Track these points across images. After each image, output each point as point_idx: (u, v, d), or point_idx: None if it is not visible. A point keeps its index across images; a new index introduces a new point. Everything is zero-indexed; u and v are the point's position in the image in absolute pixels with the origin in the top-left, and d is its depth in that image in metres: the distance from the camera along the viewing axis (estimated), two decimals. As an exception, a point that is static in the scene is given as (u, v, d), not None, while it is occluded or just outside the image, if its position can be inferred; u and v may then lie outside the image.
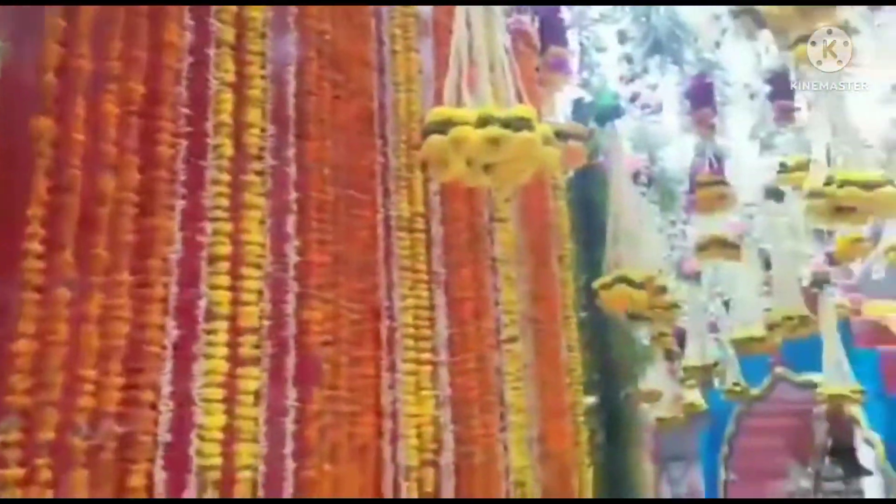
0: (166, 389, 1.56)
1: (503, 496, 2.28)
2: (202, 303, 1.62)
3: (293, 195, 1.81)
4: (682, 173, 3.90)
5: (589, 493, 2.98)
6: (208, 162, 1.69)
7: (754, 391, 5.88)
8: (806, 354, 4.88)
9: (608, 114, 2.92)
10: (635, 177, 3.38)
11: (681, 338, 5.29)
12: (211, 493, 1.56)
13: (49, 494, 1.37)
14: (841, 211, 2.56)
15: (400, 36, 2.31)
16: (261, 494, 1.60)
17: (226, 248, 1.67)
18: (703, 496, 7.48)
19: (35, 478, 1.37)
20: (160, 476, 1.54)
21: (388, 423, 1.93)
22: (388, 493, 1.88)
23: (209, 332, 1.62)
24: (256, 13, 1.84)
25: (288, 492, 1.62)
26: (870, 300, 5.95)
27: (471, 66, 1.91)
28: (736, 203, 3.44)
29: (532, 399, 2.60)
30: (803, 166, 3.10)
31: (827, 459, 6.58)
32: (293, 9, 1.97)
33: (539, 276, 2.85)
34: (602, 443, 3.68)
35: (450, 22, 1.90)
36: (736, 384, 5.32)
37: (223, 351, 1.62)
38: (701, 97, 3.09)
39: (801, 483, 7.32)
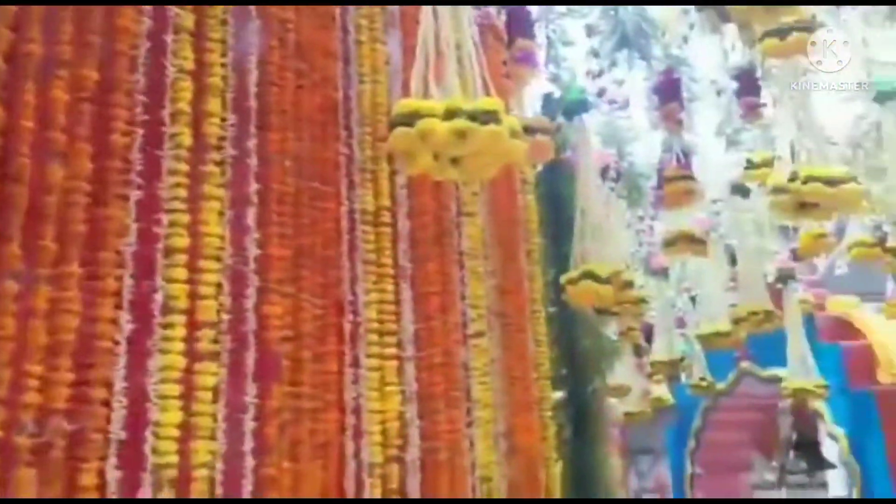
0: (120, 385, 1.52)
1: (469, 492, 2.27)
2: (158, 296, 1.57)
3: (254, 187, 1.77)
4: (650, 169, 3.90)
5: (557, 488, 2.97)
6: (165, 152, 1.64)
7: (720, 386, 5.94)
8: (771, 349, 4.93)
9: (575, 108, 2.91)
10: (603, 172, 3.38)
11: (648, 333, 5.31)
12: (167, 492, 1.53)
13: (-6, 493, 1.33)
14: (805, 207, 2.58)
15: (366, 26, 2.28)
16: (219, 493, 1.57)
17: (183, 241, 1.62)
18: (670, 490, 7.54)
19: (-22, 476, 1.32)
20: (113, 475, 1.50)
21: (350, 419, 1.90)
22: (350, 491, 1.85)
23: (165, 327, 1.58)
24: (217, -1, 1.80)
25: (247, 490, 1.59)
26: (833, 296, 6.03)
27: (438, 58, 1.88)
28: (703, 198, 3.45)
29: (499, 394, 2.59)
30: (769, 163, 3.12)
31: (791, 453, 6.68)
32: (256, -4, 1.93)
33: (507, 270, 2.84)
34: (570, 438, 3.67)
35: (417, 13, 1.87)
36: (702, 379, 5.37)
37: (180, 346, 1.58)
38: (668, 92, 3.09)
39: (766, 476, 7.43)
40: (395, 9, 2.40)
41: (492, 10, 2.66)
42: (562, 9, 2.95)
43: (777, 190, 2.58)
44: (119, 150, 1.57)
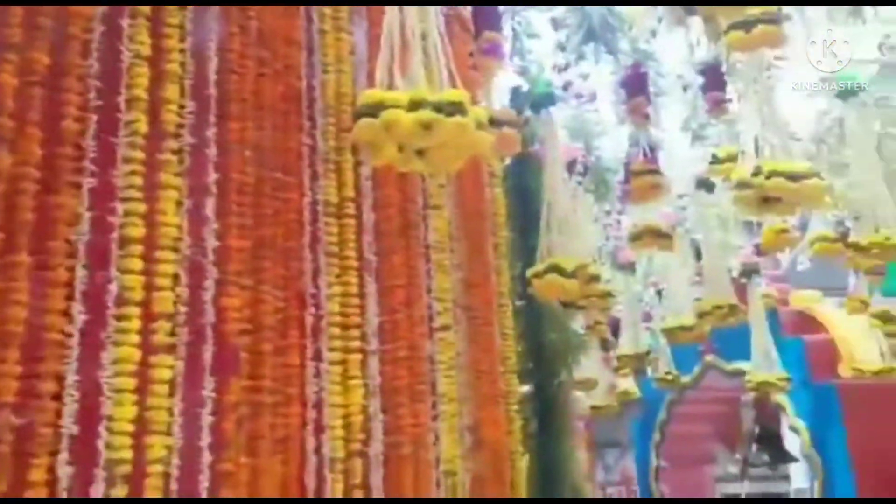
0: (71, 378, 1.48)
1: (433, 486, 2.25)
2: (112, 287, 1.53)
3: (213, 176, 1.73)
4: (617, 163, 3.91)
5: (522, 482, 2.97)
6: (120, 139, 1.60)
7: (685, 379, 5.99)
8: (735, 343, 4.98)
9: (543, 101, 2.90)
10: (570, 166, 3.37)
11: (615, 327, 5.34)
12: (120, 488, 1.49)
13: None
14: (768, 201, 2.59)
15: (330, 15, 2.24)
16: (174, 489, 1.53)
17: (139, 230, 1.58)
18: (635, 483, 7.61)
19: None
20: (65, 471, 1.46)
21: (312, 413, 1.87)
22: (311, 486, 1.82)
23: (120, 318, 1.54)
24: (175, -17, 1.75)
25: (203, 485, 1.55)
26: (796, 290, 6.12)
27: (403, 48, 1.86)
28: (669, 193, 3.46)
29: (465, 388, 2.58)
30: (733, 158, 3.13)
31: (754, 446, 6.77)
32: (216, -19, 1.89)
33: (473, 263, 2.82)
34: (536, 431, 3.68)
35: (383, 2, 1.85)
36: (668, 373, 5.42)
37: (135, 338, 1.54)
38: (635, 86, 3.09)
39: (729, 469, 7.52)
40: (362, -2, 2.37)
41: (459, 0, 2.63)
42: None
43: (741, 184, 2.59)
44: (71, 137, 1.53)
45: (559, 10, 2.98)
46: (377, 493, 1.97)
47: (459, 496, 2.36)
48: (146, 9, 1.70)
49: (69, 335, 1.48)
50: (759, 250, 4.41)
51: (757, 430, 6.77)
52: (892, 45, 3.48)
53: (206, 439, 1.58)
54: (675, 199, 4.06)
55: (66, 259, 1.49)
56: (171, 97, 1.69)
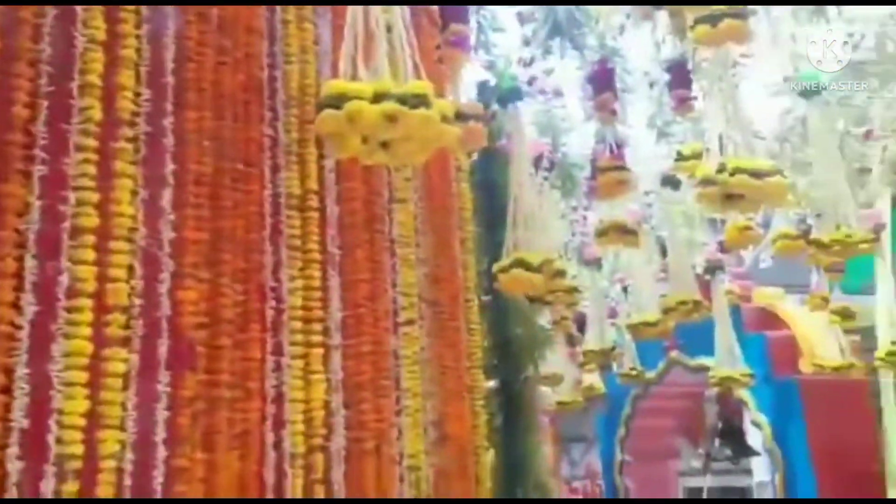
0: (21, 371, 1.44)
1: (396, 481, 2.24)
2: (63, 278, 1.49)
3: (170, 167, 1.69)
4: (584, 159, 3.92)
5: (487, 477, 2.97)
6: (73, 126, 1.56)
7: (650, 375, 6.04)
8: (699, 339, 5.03)
9: (510, 96, 2.89)
10: (537, 161, 3.37)
11: (581, 322, 5.37)
12: (71, 484, 1.45)
13: None
14: (731, 198, 2.61)
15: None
16: (127, 484, 1.50)
17: (92, 220, 1.54)
18: (600, 477, 7.66)
19: None
20: (14, 465, 1.43)
21: (271, 408, 1.84)
22: (270, 481, 1.80)
23: (71, 311, 1.50)
24: (132, -33, 1.71)
25: (157, 481, 1.52)
26: (759, 287, 6.20)
27: (368, 39, 1.83)
28: (635, 189, 3.48)
29: (429, 383, 2.56)
30: (698, 155, 3.16)
31: (717, 440, 6.85)
32: (174, -34, 1.84)
33: (439, 258, 2.81)
34: (501, 426, 3.68)
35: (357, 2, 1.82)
36: (632, 368, 5.45)
37: (87, 331, 1.50)
38: (602, 82, 3.10)
39: (692, 463, 7.61)
40: (327, -12, 2.34)
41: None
42: (498, -6, 2.92)
43: (705, 181, 2.60)
44: (21, 123, 1.48)
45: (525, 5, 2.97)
46: (338, 489, 1.95)
47: (423, 491, 2.35)
48: (102, -7, 1.65)
49: (19, 327, 1.45)
50: (723, 247, 4.46)
51: (720, 425, 6.86)
52: (856, 45, 3.53)
53: (160, 434, 1.55)
54: (641, 195, 4.08)
55: (15, 249, 1.45)
56: (127, 84, 1.65)
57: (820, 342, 5.31)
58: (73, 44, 1.59)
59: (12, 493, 1.43)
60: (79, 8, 1.61)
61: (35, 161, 1.49)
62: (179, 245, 1.67)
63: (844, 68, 3.70)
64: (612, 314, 5.46)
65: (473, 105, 2.56)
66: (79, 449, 1.46)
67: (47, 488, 1.44)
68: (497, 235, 3.27)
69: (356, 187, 2.29)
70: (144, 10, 1.71)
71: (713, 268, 4.52)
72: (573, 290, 4.13)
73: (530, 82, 3.11)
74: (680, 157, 3.37)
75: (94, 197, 1.55)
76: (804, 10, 3.12)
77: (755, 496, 7.57)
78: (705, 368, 5.20)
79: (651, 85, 3.48)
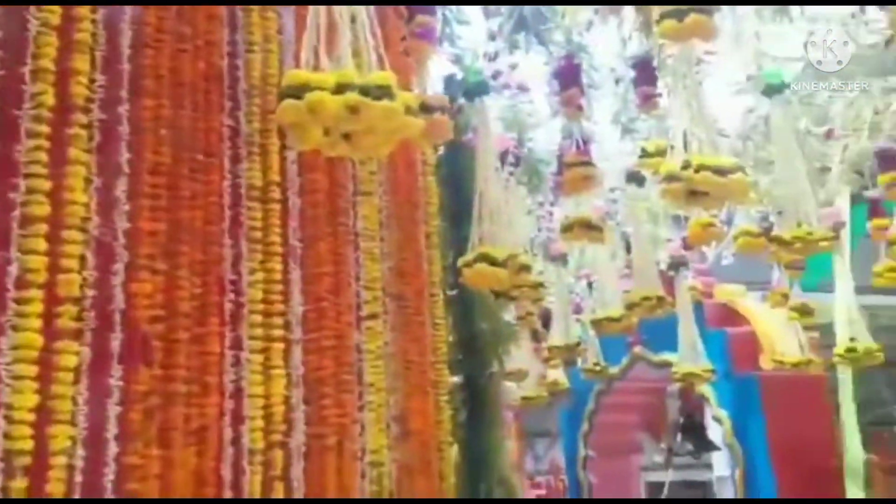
0: (-34, 366, 1.39)
1: (358, 478, 2.22)
2: (12, 268, 1.45)
3: (125, 155, 1.65)
4: (550, 155, 3.92)
5: (451, 472, 2.96)
6: (24, 111, 1.51)
7: (613, 370, 6.08)
8: (662, 335, 5.07)
9: (476, 90, 2.87)
10: (503, 156, 3.36)
11: (546, 318, 5.38)
12: (20, 481, 1.41)
13: None
14: (695, 195, 2.62)
15: (256, -7, 2.17)
16: (78, 481, 1.46)
17: (43, 208, 1.50)
18: (564, 472, 7.71)
19: None
20: (-41, 462, 1.38)
21: (229, 403, 1.81)
22: (227, 478, 1.76)
23: (20, 302, 1.46)
24: (87, -51, 1.66)
25: (109, 478, 1.48)
26: (720, 284, 6.27)
27: (331, 28, 1.80)
28: (601, 185, 3.48)
29: (393, 378, 2.55)
30: (662, 152, 3.17)
31: (678, 435, 6.93)
32: (131, -50, 1.79)
33: (404, 252, 2.79)
34: (465, 421, 3.67)
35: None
36: (596, 363, 5.48)
37: (37, 323, 1.46)
38: (568, 78, 3.08)
39: (654, 457, 7.69)
40: (291, -24, 2.30)
41: (391, -18, 2.58)
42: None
43: (669, 177, 2.61)
44: (-33, 109, 1.43)
45: (489, -1, 2.96)
46: (298, 485, 1.92)
47: (385, 487, 2.34)
48: (55, -25, 1.60)
49: (-36, 319, 1.39)
50: (686, 244, 4.48)
51: (681, 420, 6.93)
52: (818, 44, 3.58)
53: (112, 430, 1.51)
54: (606, 192, 4.10)
55: (-40, 238, 1.39)
56: (81, 69, 1.60)
57: (780, 338, 5.38)
58: (25, 27, 1.54)
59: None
60: (32, -10, 1.56)
61: (-18, 147, 1.44)
62: (134, 236, 1.63)
63: (806, 68, 3.75)
64: (577, 310, 5.48)
65: (439, 97, 2.53)
66: (28, 444, 1.42)
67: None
68: (463, 230, 3.25)
69: (319, 179, 2.26)
70: (100, -6, 1.66)
71: (677, 264, 4.55)
72: (538, 285, 4.11)
73: (495, 77, 3.08)
74: (644, 154, 3.37)
75: (46, 185, 1.51)
76: (768, 9, 3.14)
77: (715, 490, 7.66)
78: (668, 364, 5.24)
79: (617, 81, 3.48)
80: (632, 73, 3.22)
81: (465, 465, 3.61)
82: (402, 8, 2.63)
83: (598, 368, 5.50)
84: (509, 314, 4.71)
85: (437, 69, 3.09)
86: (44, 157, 1.51)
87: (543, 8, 2.98)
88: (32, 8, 1.56)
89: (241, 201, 1.97)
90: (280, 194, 2.10)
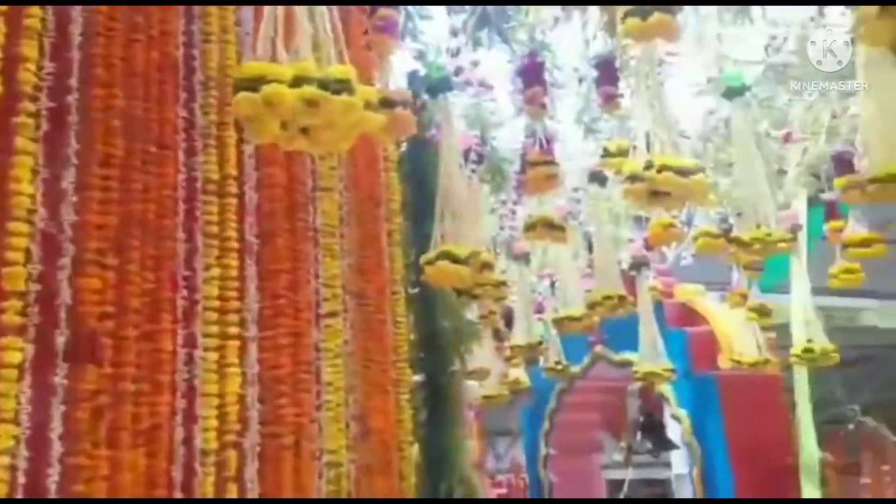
0: None
1: (315, 478, 2.19)
2: (-49, 262, 1.39)
3: (74, 146, 1.59)
4: (513, 154, 3.92)
5: (411, 472, 2.93)
6: (-35, 99, 1.45)
7: (574, 369, 6.10)
8: (623, 335, 5.10)
9: (439, 86, 2.85)
10: (465, 154, 3.34)
11: (508, 317, 5.38)
12: (-42, 483, 1.35)
13: None
14: (657, 195, 2.63)
15: (214, -18, 2.12)
16: (21, 482, 1.41)
17: (-15, 200, 1.44)
18: (524, 470, 7.73)
19: None
20: None
21: (181, 402, 1.76)
22: (178, 479, 1.72)
23: (-40, 297, 1.40)
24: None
25: (53, 479, 1.43)
26: (680, 284, 6.33)
27: (289, 20, 1.76)
28: (564, 184, 3.48)
29: (353, 377, 2.52)
30: (624, 152, 3.18)
31: (638, 434, 6.98)
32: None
33: (365, 249, 2.76)
34: (426, 420, 3.65)
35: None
36: (557, 362, 5.49)
37: (-23, 319, 1.40)
38: (532, 76, 3.07)
39: (614, 456, 7.75)
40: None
41: (354, -24, 2.54)
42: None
43: (632, 178, 2.61)
44: None
45: (453, -6, 2.93)
46: (252, 486, 1.88)
47: (343, 488, 2.31)
48: (1, -42, 1.54)
49: None
50: (647, 244, 4.51)
51: (641, 419, 6.98)
52: (778, 47, 3.62)
53: (57, 429, 1.46)
54: (569, 191, 4.10)
55: None
56: (29, 55, 1.55)
57: (738, 338, 5.45)
58: (-33, 11, 1.48)
59: None
60: (-25, -27, 1.50)
61: (-80, 135, 1.38)
62: (83, 229, 1.58)
63: (766, 71, 3.80)
64: (540, 309, 5.49)
65: (401, 91, 2.50)
66: (-32, 445, 1.37)
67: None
68: (426, 228, 3.23)
69: (277, 174, 2.23)
70: (49, -22, 1.61)
71: (638, 264, 4.58)
72: (501, 283, 4.11)
73: (457, 73, 3.06)
74: (606, 154, 3.38)
75: (-12, 175, 1.45)
76: (729, 11, 3.17)
77: (674, 488, 7.75)
78: (629, 363, 5.28)
79: (580, 81, 3.48)
80: (594, 73, 3.22)
81: (425, 465, 3.58)
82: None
83: (559, 367, 5.51)
84: (471, 313, 4.69)
85: (400, 65, 3.06)
86: (-13, 146, 1.45)
87: (507, 5, 2.97)
88: (-23, -8, 1.50)
89: (196, 195, 1.93)
90: (237, 188, 2.06)
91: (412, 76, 3.29)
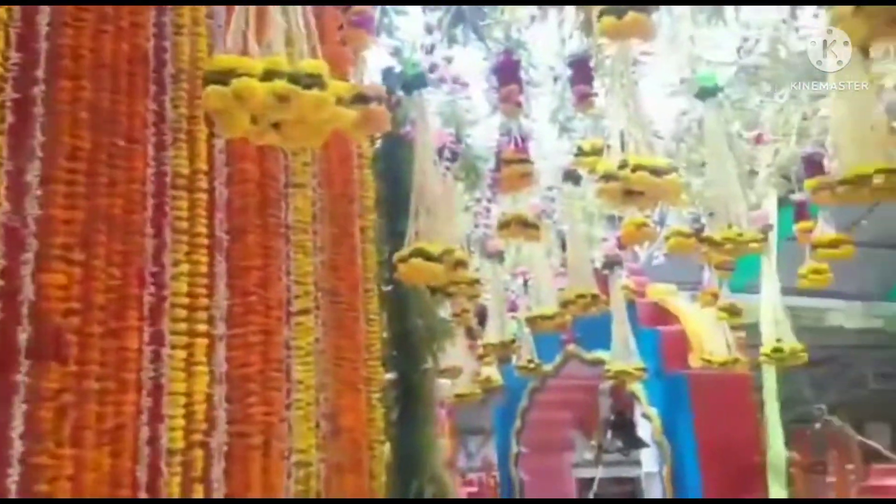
0: None
1: (283, 478, 2.16)
2: None
3: (39, 138, 1.55)
4: (488, 152, 3.91)
5: (382, 471, 2.92)
6: (-75, 88, 1.40)
7: (547, 368, 6.12)
8: (595, 333, 5.12)
9: (414, 83, 2.83)
10: (440, 151, 3.32)
11: (482, 315, 5.37)
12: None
13: None
14: (631, 195, 2.63)
15: (186, -26, 2.09)
16: (-20, 484, 1.37)
17: (-55, 193, 1.40)
18: (496, 469, 7.74)
19: None
20: None
21: (147, 401, 1.73)
22: (143, 479, 1.69)
23: (-83, 293, 1.36)
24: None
25: (13, 479, 1.39)
26: (653, 283, 6.37)
27: (260, 12, 1.74)
28: (538, 182, 3.48)
29: (324, 375, 2.50)
30: (598, 151, 3.18)
31: (609, 433, 7.02)
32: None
33: (339, 246, 2.74)
34: (398, 419, 3.63)
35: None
36: (530, 361, 5.49)
37: (-65, 315, 1.36)
38: (507, 74, 3.07)
39: (585, 455, 7.80)
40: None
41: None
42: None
43: (607, 176, 2.62)
44: None
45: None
46: (218, 486, 1.85)
47: (313, 488, 2.29)
48: (-37, -56, 1.50)
49: None
50: (620, 243, 4.53)
51: (612, 418, 7.03)
52: (750, 49, 3.65)
53: (18, 428, 1.42)
54: (543, 189, 4.10)
55: None
56: (-8, 45, 1.50)
57: (708, 338, 5.49)
58: (-71, -1, 1.43)
59: None
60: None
61: None
62: (47, 223, 1.54)
63: (739, 72, 3.83)
64: (513, 307, 5.49)
65: (375, 87, 2.48)
66: (-77, 445, 1.33)
67: None
68: (399, 225, 3.21)
69: (249, 169, 2.20)
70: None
71: (611, 263, 4.59)
72: (475, 281, 4.11)
73: (432, 69, 3.04)
74: (580, 153, 3.38)
75: (-52, 167, 1.41)
76: (703, 13, 3.19)
77: (643, 487, 7.81)
78: (601, 362, 5.29)
79: (555, 80, 3.48)
80: (569, 72, 3.22)
81: (396, 463, 3.57)
82: (340, -4, 2.57)
83: (531, 366, 5.52)
84: (445, 311, 4.69)
85: (375, 61, 3.04)
86: (-53, 136, 1.41)
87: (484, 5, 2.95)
88: (-62, -21, 1.46)
89: (165, 190, 1.89)
90: (207, 184, 2.03)
91: (387, 73, 3.27)
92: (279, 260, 2.30)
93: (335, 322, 2.65)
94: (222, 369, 1.96)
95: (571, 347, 6.44)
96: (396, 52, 3.26)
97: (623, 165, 2.58)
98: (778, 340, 4.51)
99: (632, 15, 2.12)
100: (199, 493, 1.79)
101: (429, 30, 3.02)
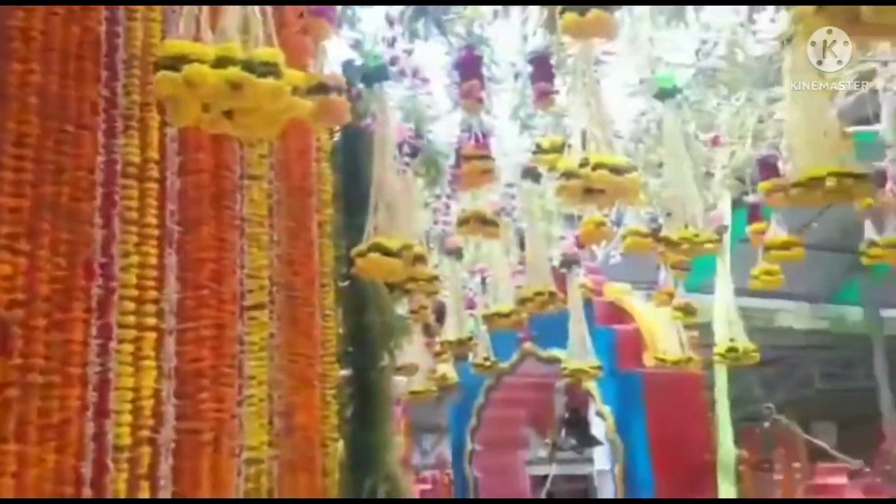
0: None
1: (234, 475, 2.12)
2: None
3: (-18, 122, 1.49)
4: (449, 148, 3.89)
5: (335, 468, 2.89)
6: None
7: (503, 365, 6.13)
8: (552, 332, 5.14)
9: (375, 75, 2.79)
10: (400, 146, 3.30)
11: (440, 313, 5.36)
12: None
13: None
14: (590, 193, 2.64)
15: (140, -42, 2.02)
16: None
17: None
18: (450, 466, 7.73)
19: None
20: None
21: (93, 396, 1.68)
22: (88, 476, 1.63)
23: None
24: None
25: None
26: (608, 282, 6.43)
27: (216, -1, 1.69)
28: (498, 179, 3.47)
29: (278, 371, 2.45)
30: (558, 148, 3.19)
31: (563, 430, 7.07)
32: None
33: (295, 240, 2.70)
34: (352, 416, 3.59)
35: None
36: (486, 358, 5.50)
37: None
38: (469, 69, 3.06)
39: (539, 452, 7.84)
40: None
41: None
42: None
43: (567, 174, 2.62)
44: None
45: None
46: (165, 483, 1.81)
47: (263, 485, 2.25)
48: None
49: None
50: (578, 242, 4.55)
51: (567, 416, 7.07)
52: (708, 52, 3.70)
53: (-44, 425, 1.36)
54: (503, 187, 4.10)
55: None
56: (-67, 25, 1.44)
57: (663, 337, 5.55)
58: None
59: None
60: None
61: None
62: (-9, 212, 1.48)
63: (697, 74, 3.87)
64: (471, 305, 5.48)
65: (335, 77, 2.44)
66: None
67: None
68: (358, 219, 3.17)
69: (203, 159, 2.15)
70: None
71: (569, 262, 4.61)
72: (433, 278, 4.09)
73: (393, 62, 3.01)
74: (539, 150, 3.39)
75: None
76: (663, 14, 3.21)
77: (596, 484, 7.88)
78: (557, 360, 5.32)
79: (516, 76, 3.48)
80: (530, 69, 3.22)
81: (350, 461, 3.53)
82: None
83: (488, 363, 5.52)
84: (402, 308, 4.66)
85: (335, 53, 3.00)
86: None
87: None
88: None
89: (115, 179, 1.83)
90: (158, 173, 1.97)
91: (347, 65, 3.23)
92: (233, 253, 2.25)
93: (290, 317, 2.60)
94: (171, 364, 1.91)
95: (528, 345, 6.46)
96: (357, 45, 3.22)
97: (584, 163, 2.58)
98: (731, 340, 4.58)
99: (594, 12, 2.12)
100: (145, 490, 1.74)
101: (390, 22, 3.00)
